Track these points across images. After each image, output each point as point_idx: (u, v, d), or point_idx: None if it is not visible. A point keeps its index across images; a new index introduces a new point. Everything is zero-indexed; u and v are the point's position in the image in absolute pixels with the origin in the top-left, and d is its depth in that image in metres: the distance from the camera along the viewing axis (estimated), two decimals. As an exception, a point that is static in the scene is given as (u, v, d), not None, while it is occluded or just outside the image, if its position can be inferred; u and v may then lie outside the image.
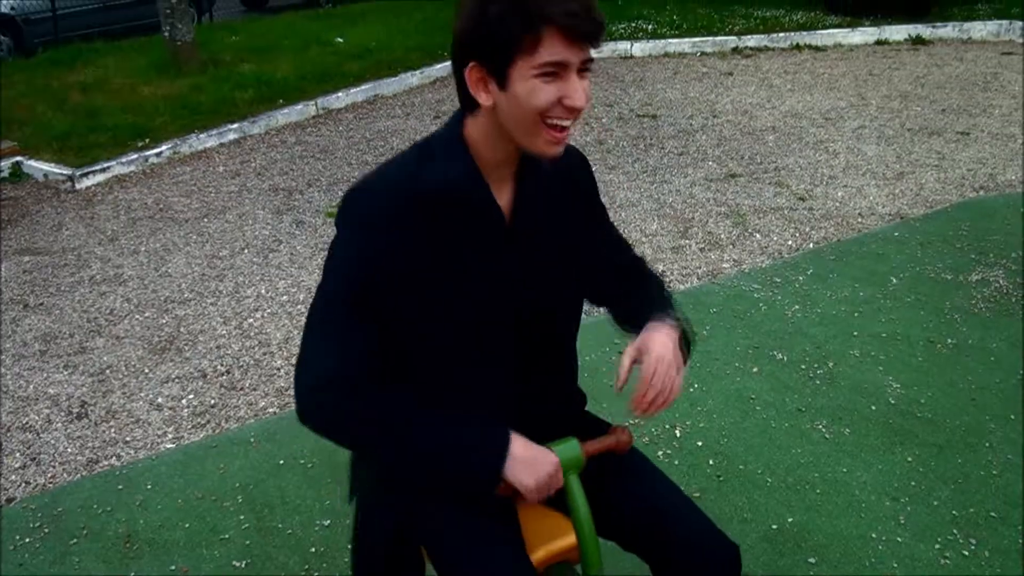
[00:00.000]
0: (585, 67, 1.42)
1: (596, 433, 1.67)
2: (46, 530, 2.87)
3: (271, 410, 3.54)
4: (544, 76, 1.39)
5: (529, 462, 1.52)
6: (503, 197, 1.58)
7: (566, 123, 1.43)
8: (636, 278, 1.80)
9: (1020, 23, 10.20)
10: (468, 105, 1.49)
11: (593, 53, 1.43)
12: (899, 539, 2.70)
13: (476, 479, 1.53)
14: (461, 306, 1.56)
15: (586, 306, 1.82)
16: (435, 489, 1.64)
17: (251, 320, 4.28)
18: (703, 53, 10.04)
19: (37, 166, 6.56)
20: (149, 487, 3.07)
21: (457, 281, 1.55)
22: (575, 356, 1.80)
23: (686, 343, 1.69)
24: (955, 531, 2.73)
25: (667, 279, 4.55)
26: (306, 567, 2.67)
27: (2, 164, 6.58)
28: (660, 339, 1.59)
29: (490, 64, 1.41)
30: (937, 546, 2.67)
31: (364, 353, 1.53)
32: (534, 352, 1.66)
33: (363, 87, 8.48)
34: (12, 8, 11.17)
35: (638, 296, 1.74)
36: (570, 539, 1.73)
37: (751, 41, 10.18)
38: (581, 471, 1.61)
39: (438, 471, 1.55)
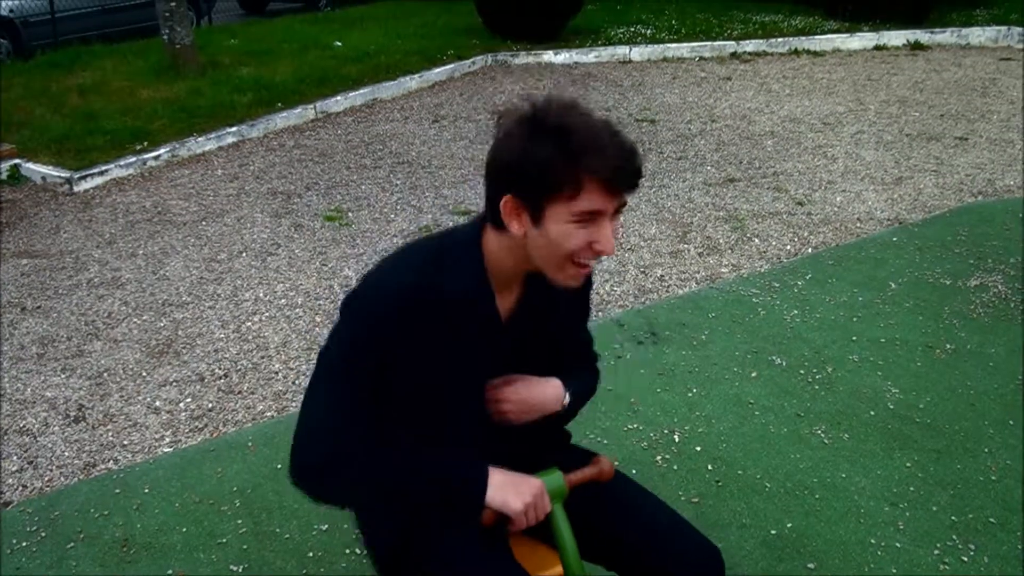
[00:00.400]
0: (617, 211, 1.48)
1: (579, 464, 1.71)
2: (43, 534, 2.86)
3: (269, 414, 3.53)
4: (579, 222, 1.43)
5: (512, 486, 1.57)
6: (506, 300, 1.62)
7: (591, 262, 1.49)
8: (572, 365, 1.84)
9: (1018, 29, 10.22)
10: (498, 222, 1.51)
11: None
12: (898, 545, 2.70)
13: (457, 506, 1.59)
14: (449, 390, 1.61)
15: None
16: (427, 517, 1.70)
17: (249, 324, 4.27)
18: (702, 58, 10.05)
19: (35, 169, 6.55)
20: (146, 491, 3.06)
21: (449, 369, 1.59)
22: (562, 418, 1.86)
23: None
24: (954, 537, 2.73)
25: (666, 283, 4.55)
26: (303, 572, 2.66)
27: (0, 167, 6.57)
28: (544, 385, 1.69)
29: (527, 200, 1.44)
30: (936, 552, 2.67)
31: (355, 437, 1.58)
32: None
33: (362, 91, 8.47)
34: (11, 11, 11.15)
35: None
36: (556, 570, 1.73)
37: (750, 46, 10.20)
38: (564, 501, 1.64)
39: (420, 505, 1.63)
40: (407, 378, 1.58)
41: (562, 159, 1.39)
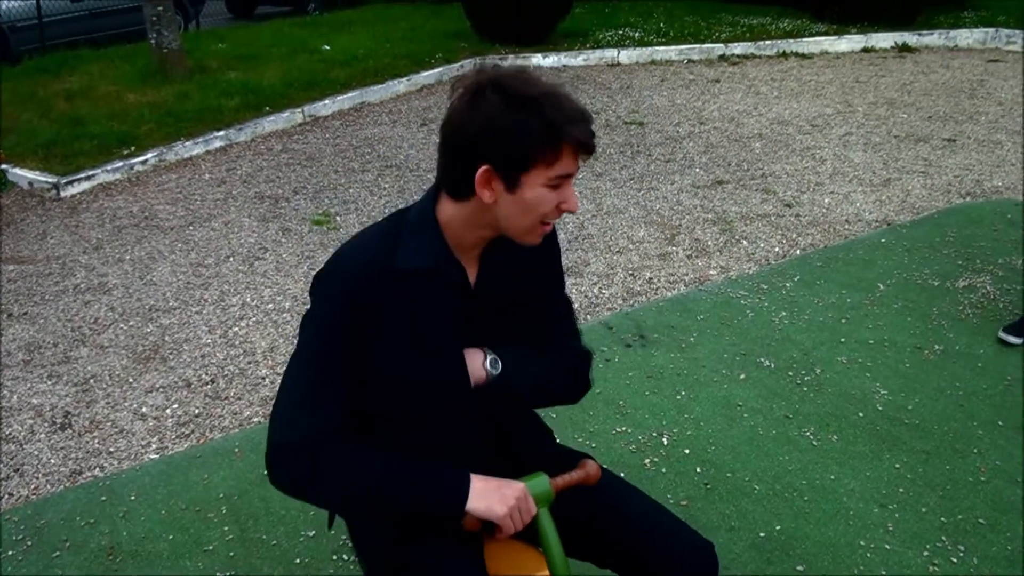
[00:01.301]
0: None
1: (565, 466, 1.70)
2: (29, 542, 2.84)
3: (255, 420, 3.51)
4: (552, 186, 1.52)
5: (495, 491, 1.57)
6: (470, 268, 1.66)
7: (554, 220, 1.58)
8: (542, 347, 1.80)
9: (1006, 31, 10.27)
10: (460, 192, 1.55)
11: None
12: (887, 546, 2.70)
13: (438, 513, 1.58)
14: (422, 363, 1.62)
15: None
16: (402, 527, 1.68)
17: (236, 329, 4.25)
18: (690, 60, 10.07)
19: (22, 174, 6.52)
20: (133, 498, 3.03)
21: (420, 341, 1.61)
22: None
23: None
24: (943, 538, 2.73)
25: (654, 286, 4.55)
26: (291, 578, 2.65)
27: (-14, 172, 6.54)
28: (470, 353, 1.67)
29: (505, 169, 1.50)
30: (926, 553, 2.67)
31: (332, 415, 1.58)
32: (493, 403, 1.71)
33: (350, 94, 8.46)
34: (-2, 15, 11.12)
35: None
36: (542, 572, 1.72)
37: (738, 49, 10.22)
38: (551, 505, 1.62)
39: (401, 513, 1.61)
40: (382, 358, 1.59)
41: (543, 129, 1.47)
